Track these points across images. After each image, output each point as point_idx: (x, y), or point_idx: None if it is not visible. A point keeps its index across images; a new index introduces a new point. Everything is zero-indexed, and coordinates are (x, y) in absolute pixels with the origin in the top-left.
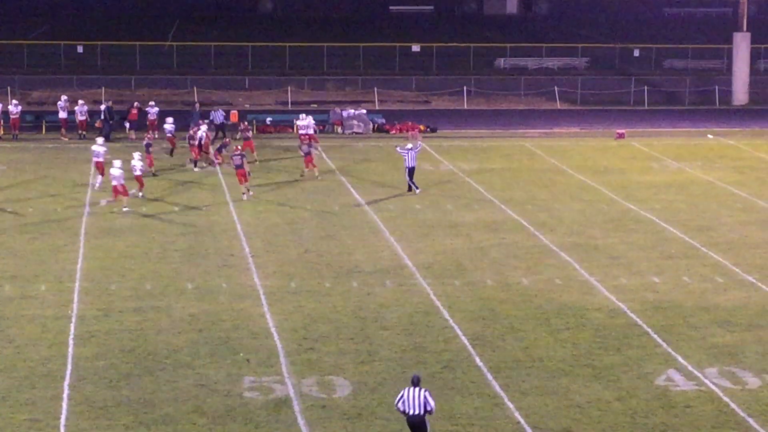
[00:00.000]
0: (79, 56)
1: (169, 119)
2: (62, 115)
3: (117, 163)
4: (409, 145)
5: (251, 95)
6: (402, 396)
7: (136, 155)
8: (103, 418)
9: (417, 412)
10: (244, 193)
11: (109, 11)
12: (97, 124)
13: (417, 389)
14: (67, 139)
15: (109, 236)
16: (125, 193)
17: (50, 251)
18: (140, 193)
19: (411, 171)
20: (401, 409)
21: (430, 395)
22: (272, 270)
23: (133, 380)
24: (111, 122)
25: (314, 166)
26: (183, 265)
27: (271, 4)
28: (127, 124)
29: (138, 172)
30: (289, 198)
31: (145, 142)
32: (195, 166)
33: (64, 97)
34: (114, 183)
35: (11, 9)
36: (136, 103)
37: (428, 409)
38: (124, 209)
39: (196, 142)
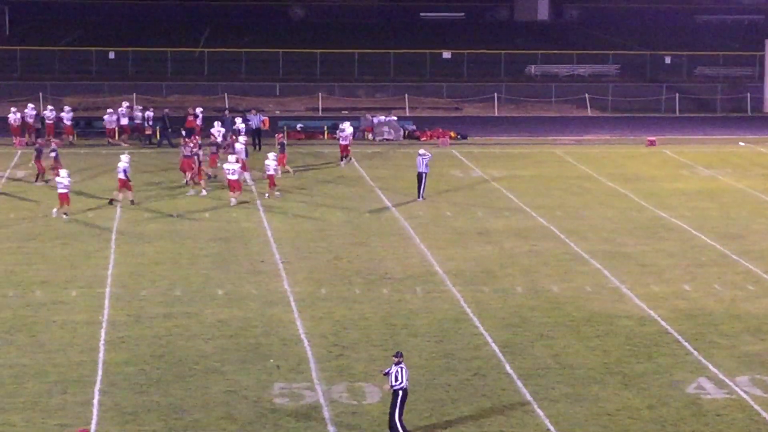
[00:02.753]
0: (111, 62)
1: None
2: (123, 121)
3: (231, 158)
4: (422, 150)
5: (282, 102)
6: (404, 372)
7: (271, 155)
8: (133, 423)
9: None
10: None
11: (140, 18)
12: (146, 131)
13: (403, 365)
14: (127, 145)
15: (139, 242)
16: (239, 188)
17: (81, 257)
18: (277, 192)
19: (420, 177)
20: (404, 385)
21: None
22: (302, 276)
23: (163, 386)
24: (169, 129)
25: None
26: (213, 271)
27: (302, 11)
28: (183, 132)
29: (271, 172)
30: (319, 204)
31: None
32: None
33: (125, 104)
34: (269, 173)
35: (44, 15)
36: (190, 110)
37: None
38: (232, 202)
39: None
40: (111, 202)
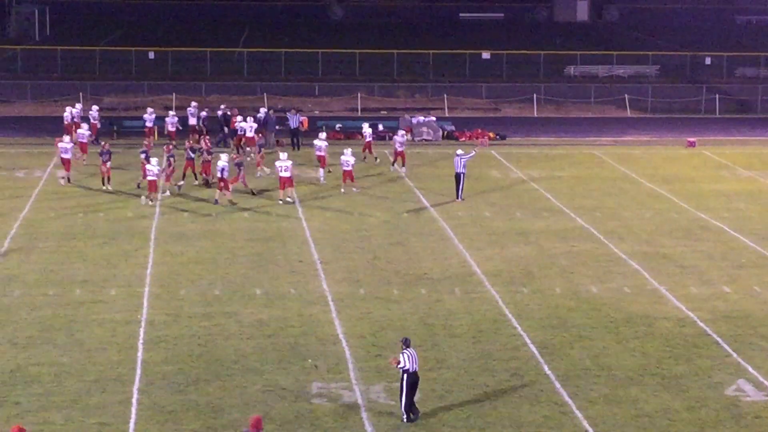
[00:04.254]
0: (151, 62)
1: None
2: (192, 121)
3: (283, 155)
4: (460, 151)
5: (321, 101)
6: (409, 357)
7: (347, 151)
8: (171, 422)
9: (417, 369)
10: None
11: (180, 18)
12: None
13: (411, 349)
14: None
15: (178, 242)
16: (291, 184)
17: (120, 256)
18: (354, 188)
19: (458, 177)
20: (409, 368)
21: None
22: (341, 276)
23: (202, 385)
24: (226, 129)
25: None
26: (252, 270)
27: (341, 11)
28: (225, 130)
29: (349, 167)
30: (358, 205)
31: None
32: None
33: (194, 104)
34: (346, 169)
35: (84, 15)
36: (235, 110)
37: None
38: (355, 190)
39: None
40: (216, 202)
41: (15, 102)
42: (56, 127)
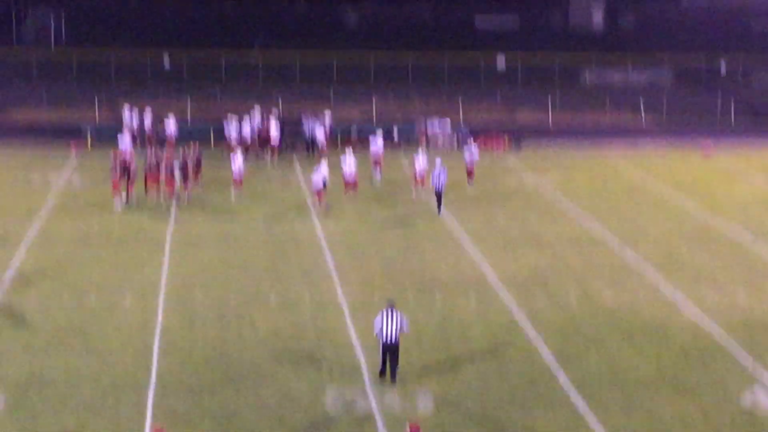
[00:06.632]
0: (166, 68)
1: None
2: (246, 130)
3: (420, 151)
4: (438, 166)
5: (336, 107)
6: (381, 322)
7: (420, 150)
8: (185, 428)
9: (395, 335)
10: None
11: (195, 23)
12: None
13: (393, 313)
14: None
15: (193, 248)
16: (355, 187)
17: (135, 262)
18: (417, 190)
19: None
20: (379, 332)
21: (405, 317)
22: (355, 282)
23: (216, 391)
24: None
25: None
26: (266, 276)
27: (356, 17)
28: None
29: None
30: (372, 210)
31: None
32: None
33: (257, 106)
34: (418, 171)
35: (100, 21)
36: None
37: (404, 330)
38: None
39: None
40: (326, 208)
41: (31, 107)
42: (72, 132)
